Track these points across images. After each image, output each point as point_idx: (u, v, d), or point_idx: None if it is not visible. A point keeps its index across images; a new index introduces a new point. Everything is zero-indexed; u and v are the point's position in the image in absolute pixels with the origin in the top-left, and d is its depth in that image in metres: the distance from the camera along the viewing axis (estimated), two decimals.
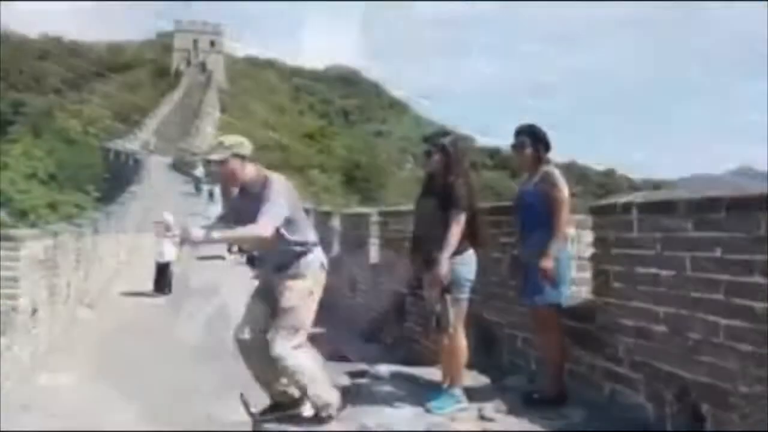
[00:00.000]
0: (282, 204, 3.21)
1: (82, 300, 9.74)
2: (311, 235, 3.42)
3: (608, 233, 3.50)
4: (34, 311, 6.60)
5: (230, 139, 3.38)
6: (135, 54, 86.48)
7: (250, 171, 3.31)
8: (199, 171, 28.54)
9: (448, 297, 3.44)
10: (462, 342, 3.59)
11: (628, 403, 3.32)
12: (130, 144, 44.40)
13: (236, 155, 3.27)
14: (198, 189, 27.31)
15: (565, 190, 3.51)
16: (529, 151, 3.63)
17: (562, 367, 3.61)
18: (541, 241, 3.49)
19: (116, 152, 39.76)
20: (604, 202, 3.77)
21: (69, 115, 49.18)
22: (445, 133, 3.90)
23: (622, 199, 3.44)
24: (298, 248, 3.31)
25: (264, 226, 3.13)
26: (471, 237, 3.58)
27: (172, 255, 11.60)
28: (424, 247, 3.59)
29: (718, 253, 2.81)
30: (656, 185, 59.95)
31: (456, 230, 3.45)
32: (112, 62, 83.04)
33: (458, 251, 3.49)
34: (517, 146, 3.68)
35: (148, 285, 11.53)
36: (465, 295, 3.59)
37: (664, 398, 3.10)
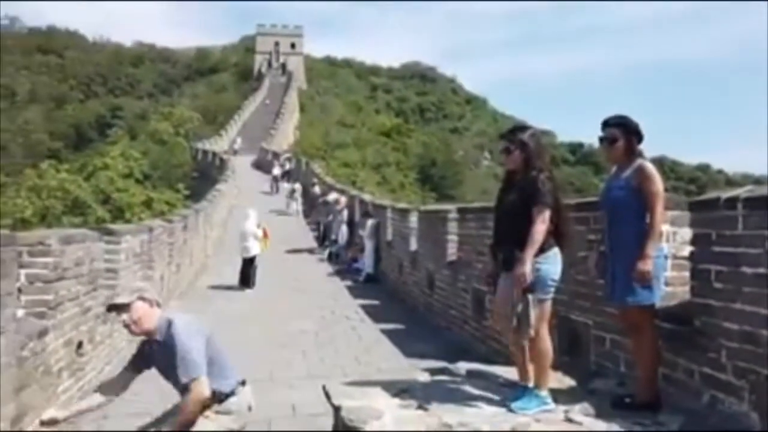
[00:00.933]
0: (196, 348, 3.11)
1: (173, 292, 10.30)
2: (234, 374, 3.32)
3: (709, 230, 3.27)
4: None
5: (136, 284, 3.27)
6: (220, 58, 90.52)
7: (155, 316, 3.25)
8: (276, 170, 29.53)
9: (530, 297, 3.32)
10: (547, 343, 3.48)
11: (730, 412, 3.09)
12: (217, 144, 46.39)
13: (142, 299, 3.24)
14: (273, 188, 28.26)
15: (660, 184, 3.31)
16: (621, 143, 3.45)
17: (656, 371, 3.42)
18: (631, 238, 3.32)
19: (204, 152, 41.59)
20: (705, 197, 3.52)
21: (161, 118, 52.12)
22: (524, 127, 3.74)
23: (726, 193, 3.19)
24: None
25: (198, 389, 3.03)
26: (556, 234, 3.45)
27: (257, 250, 12.10)
28: (506, 244, 3.49)
29: None
30: (757, 181, 55.65)
31: (541, 227, 3.34)
32: (200, 66, 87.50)
33: (543, 249, 3.37)
34: (607, 139, 3.50)
35: (234, 279, 12.02)
36: (549, 295, 3.46)
37: None
